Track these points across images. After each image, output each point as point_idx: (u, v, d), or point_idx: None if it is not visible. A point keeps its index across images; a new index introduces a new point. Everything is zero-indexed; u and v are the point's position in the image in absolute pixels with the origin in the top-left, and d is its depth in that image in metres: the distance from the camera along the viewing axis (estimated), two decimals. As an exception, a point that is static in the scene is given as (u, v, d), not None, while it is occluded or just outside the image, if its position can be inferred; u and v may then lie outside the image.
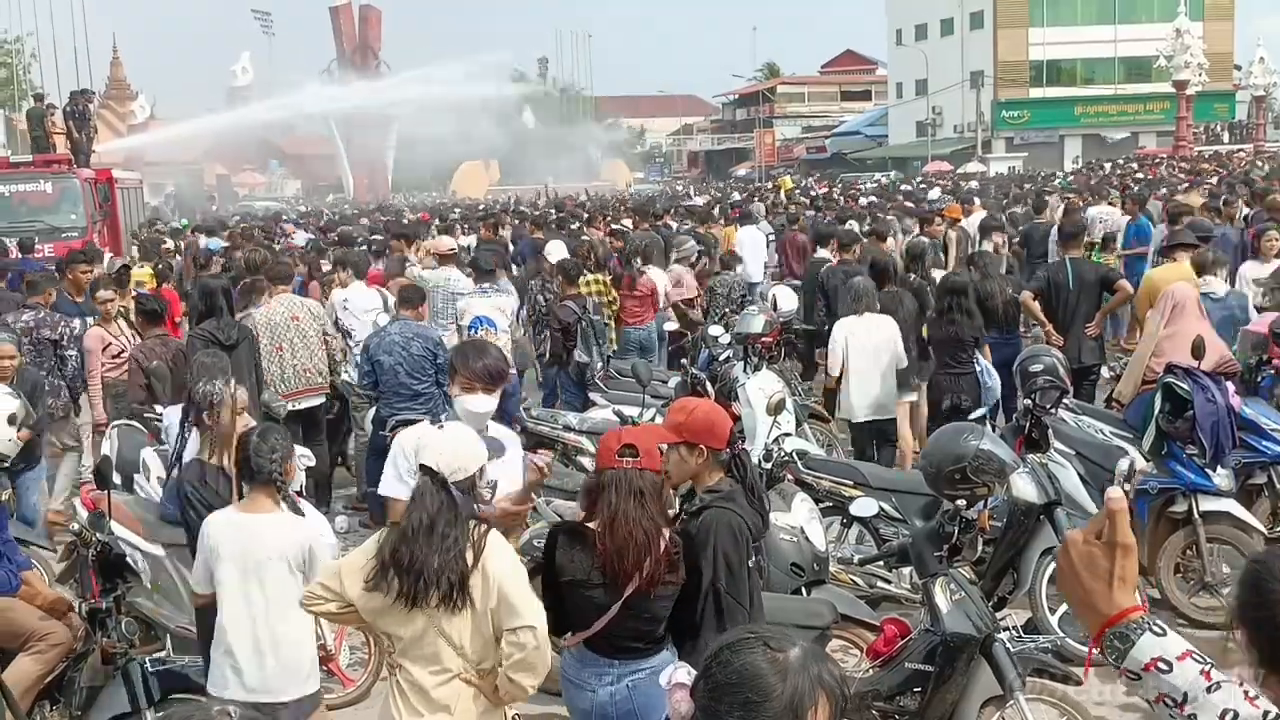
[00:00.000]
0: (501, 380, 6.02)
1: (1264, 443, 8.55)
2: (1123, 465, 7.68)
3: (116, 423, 9.85)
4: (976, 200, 25.07)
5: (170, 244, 23.16)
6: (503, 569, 4.41)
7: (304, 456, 8.18)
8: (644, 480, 4.75)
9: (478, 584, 4.35)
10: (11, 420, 8.02)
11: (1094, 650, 2.23)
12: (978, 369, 10.65)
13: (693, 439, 5.02)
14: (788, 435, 9.27)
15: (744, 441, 9.35)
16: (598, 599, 4.73)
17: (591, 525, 4.81)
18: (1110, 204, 21.58)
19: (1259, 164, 40.64)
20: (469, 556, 4.35)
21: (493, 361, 5.98)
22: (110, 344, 11.14)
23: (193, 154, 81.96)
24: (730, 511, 4.88)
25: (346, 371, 11.39)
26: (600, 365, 12.07)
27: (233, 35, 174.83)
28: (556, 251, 14.84)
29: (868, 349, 10.69)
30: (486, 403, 5.87)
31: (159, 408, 9.35)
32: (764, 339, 11.07)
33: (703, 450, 5.03)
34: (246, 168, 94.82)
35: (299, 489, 7.85)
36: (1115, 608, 2.20)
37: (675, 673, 2.63)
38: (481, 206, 39.72)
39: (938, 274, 12.79)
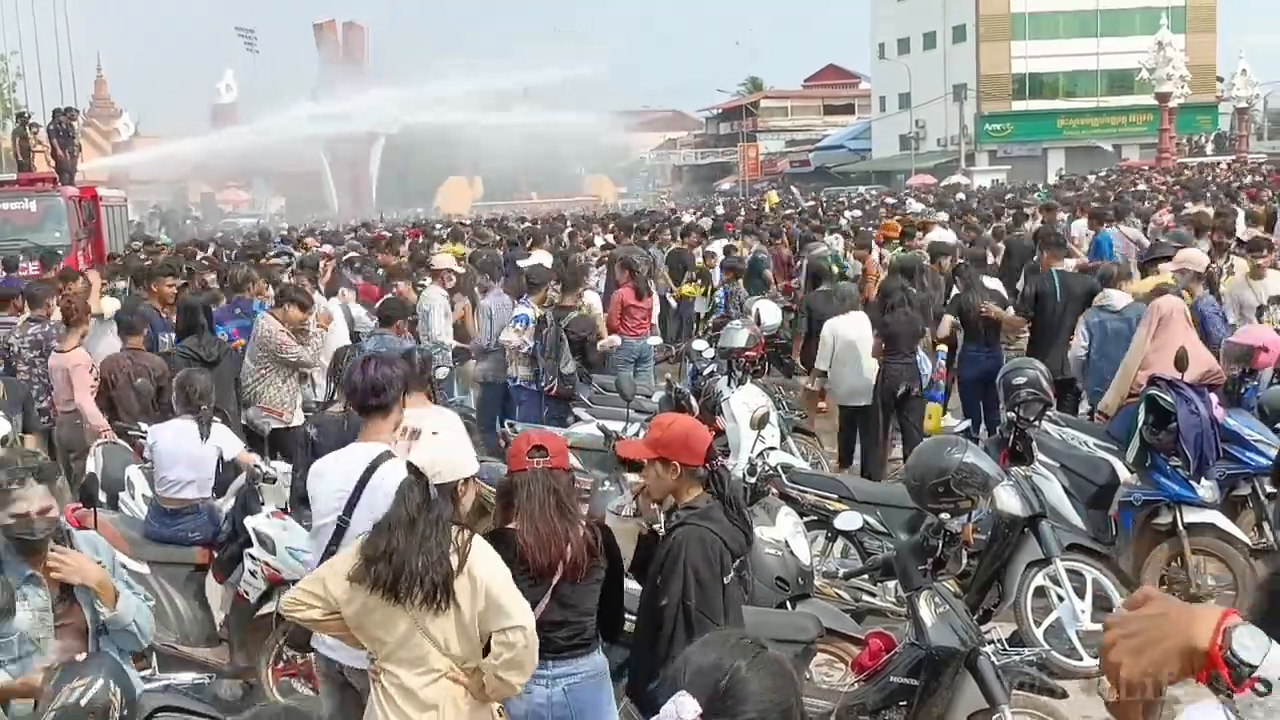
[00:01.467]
0: None
1: (1248, 454, 8.57)
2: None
3: (101, 441, 9.82)
4: (941, 214, 25.14)
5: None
6: (489, 572, 4.48)
7: (288, 474, 8.19)
8: (555, 478, 4.93)
9: (464, 587, 4.41)
10: (3, 442, 8.02)
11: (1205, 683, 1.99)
12: (917, 358, 11.76)
13: (667, 454, 5.05)
14: (772, 449, 9.27)
15: (726, 456, 9.40)
16: (526, 594, 4.77)
17: (511, 527, 4.92)
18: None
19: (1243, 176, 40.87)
20: (454, 559, 4.41)
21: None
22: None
23: (178, 171, 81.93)
24: (702, 528, 4.92)
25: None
26: (553, 379, 12.04)
27: (217, 52, 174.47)
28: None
29: (850, 343, 11.69)
30: None
31: (143, 425, 9.33)
32: (748, 353, 11.09)
33: (676, 466, 5.05)
34: (230, 185, 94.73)
35: (284, 506, 7.86)
36: (1208, 629, 1.97)
37: (682, 703, 2.49)
38: (468, 222, 39.69)
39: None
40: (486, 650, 4.45)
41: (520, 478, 4.94)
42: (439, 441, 4.97)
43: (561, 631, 4.93)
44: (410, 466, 4.64)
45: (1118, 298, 10.74)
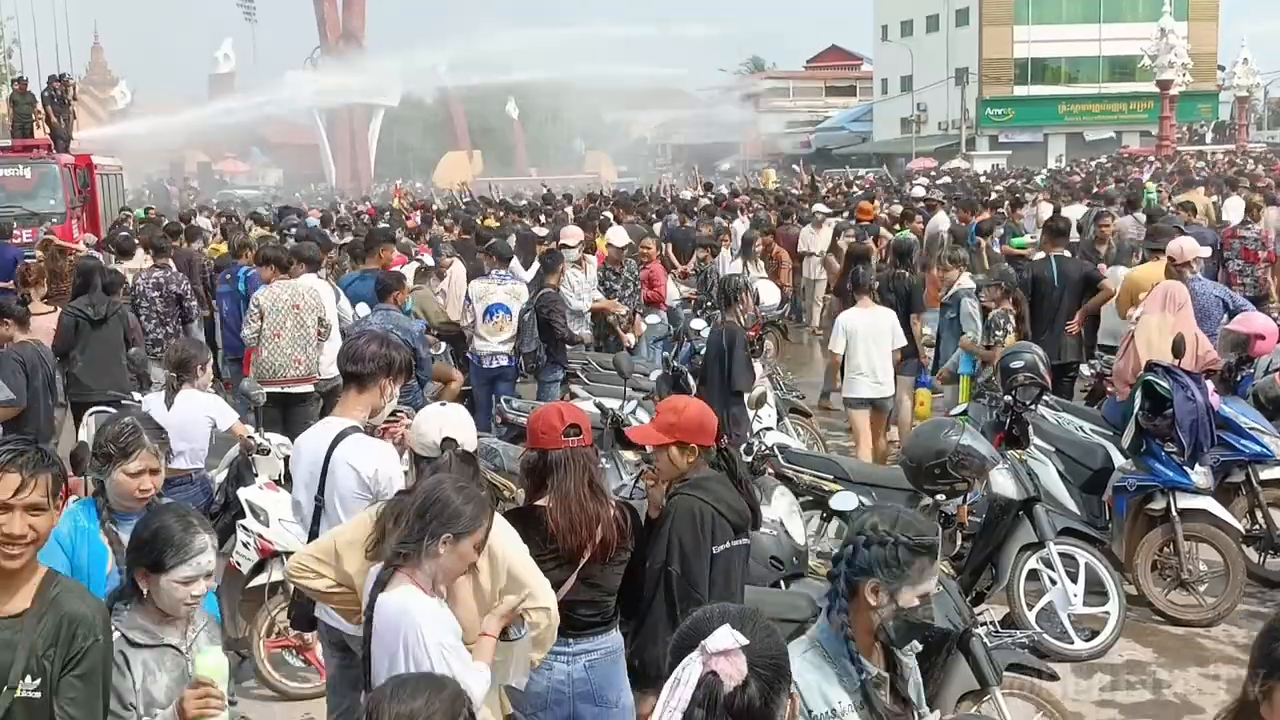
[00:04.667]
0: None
1: (1242, 441, 8.57)
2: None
3: (94, 410, 9.80)
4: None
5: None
6: (510, 549, 4.51)
7: (282, 445, 8.17)
8: (588, 458, 4.90)
9: (484, 564, 4.39)
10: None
11: None
12: None
13: (685, 439, 5.05)
14: (769, 429, 9.28)
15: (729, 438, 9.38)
16: (553, 574, 4.78)
17: (541, 504, 4.87)
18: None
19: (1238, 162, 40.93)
20: None
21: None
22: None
23: (175, 141, 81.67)
24: (692, 498, 4.92)
25: None
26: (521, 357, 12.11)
27: (215, 21, 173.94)
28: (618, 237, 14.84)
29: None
30: None
31: (137, 394, 9.31)
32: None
33: (694, 449, 5.05)
34: (228, 155, 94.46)
35: (278, 478, 7.84)
36: None
37: (723, 635, 2.60)
38: (468, 199, 39.61)
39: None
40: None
41: (555, 457, 4.87)
42: (447, 412, 4.98)
43: (586, 610, 4.91)
44: (450, 441, 4.71)
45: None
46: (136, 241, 16.77)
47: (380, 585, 4.04)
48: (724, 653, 2.57)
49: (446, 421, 4.89)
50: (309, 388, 11.07)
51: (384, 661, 3.97)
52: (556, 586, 4.78)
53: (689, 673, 2.58)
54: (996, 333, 10.45)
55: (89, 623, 3.66)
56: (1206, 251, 11.39)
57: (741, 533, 5.08)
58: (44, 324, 10.99)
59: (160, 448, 4.70)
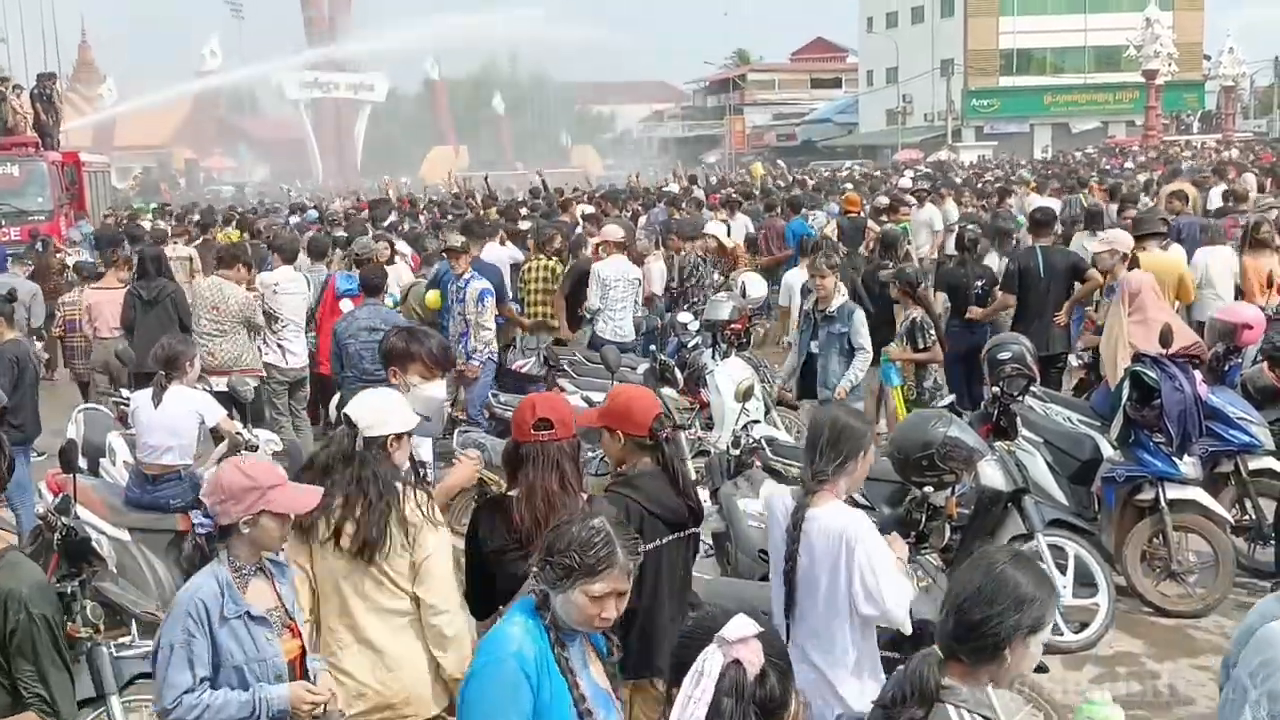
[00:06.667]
0: (450, 365, 6.47)
1: (1231, 431, 8.57)
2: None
3: (83, 406, 9.79)
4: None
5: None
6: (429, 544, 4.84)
7: (270, 441, 8.17)
8: (560, 451, 4.90)
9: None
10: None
11: None
12: None
13: (611, 424, 5.10)
14: (756, 422, 9.27)
15: (711, 429, 9.39)
16: (519, 565, 4.77)
17: (511, 493, 4.94)
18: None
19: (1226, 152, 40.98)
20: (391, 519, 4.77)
21: (440, 345, 6.24)
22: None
23: (161, 137, 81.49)
24: (621, 494, 4.95)
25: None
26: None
27: (202, 18, 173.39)
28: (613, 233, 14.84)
29: None
30: (442, 388, 6.17)
31: (125, 391, 9.30)
32: (732, 325, 11.06)
33: (619, 435, 5.09)
34: (215, 152, 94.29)
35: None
36: None
37: (742, 623, 2.67)
38: (455, 192, 39.45)
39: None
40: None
41: (526, 450, 4.89)
42: (375, 394, 5.15)
43: None
44: (347, 419, 4.87)
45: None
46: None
47: (801, 507, 4.76)
48: (743, 640, 2.63)
49: (355, 401, 5.07)
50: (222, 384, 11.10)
51: (813, 567, 4.71)
52: (523, 577, 4.80)
53: (710, 664, 2.63)
54: (931, 333, 10.52)
55: (16, 597, 3.83)
56: (1124, 246, 11.21)
57: (679, 528, 5.08)
58: (113, 298, 12.47)
59: (631, 561, 3.67)
